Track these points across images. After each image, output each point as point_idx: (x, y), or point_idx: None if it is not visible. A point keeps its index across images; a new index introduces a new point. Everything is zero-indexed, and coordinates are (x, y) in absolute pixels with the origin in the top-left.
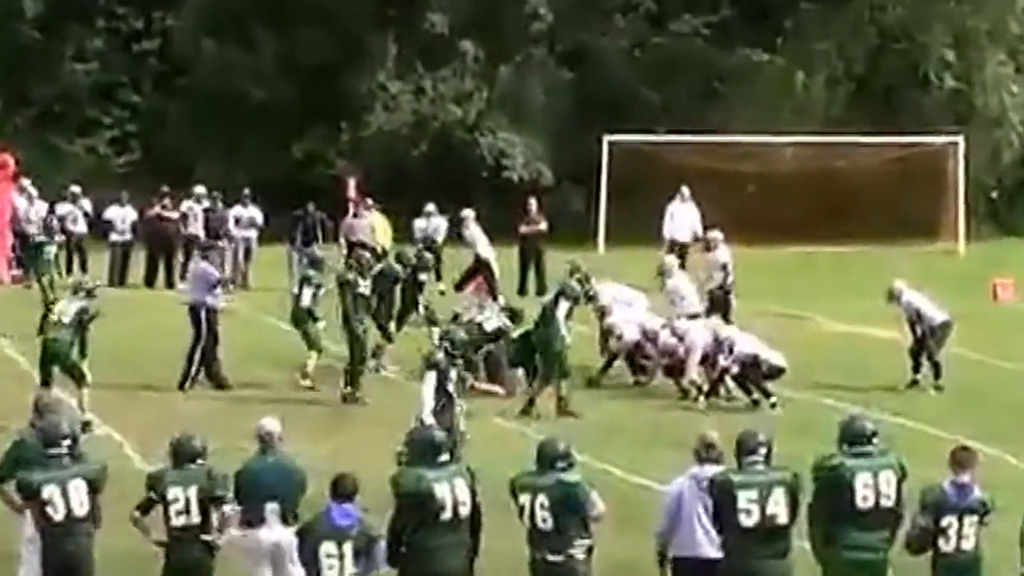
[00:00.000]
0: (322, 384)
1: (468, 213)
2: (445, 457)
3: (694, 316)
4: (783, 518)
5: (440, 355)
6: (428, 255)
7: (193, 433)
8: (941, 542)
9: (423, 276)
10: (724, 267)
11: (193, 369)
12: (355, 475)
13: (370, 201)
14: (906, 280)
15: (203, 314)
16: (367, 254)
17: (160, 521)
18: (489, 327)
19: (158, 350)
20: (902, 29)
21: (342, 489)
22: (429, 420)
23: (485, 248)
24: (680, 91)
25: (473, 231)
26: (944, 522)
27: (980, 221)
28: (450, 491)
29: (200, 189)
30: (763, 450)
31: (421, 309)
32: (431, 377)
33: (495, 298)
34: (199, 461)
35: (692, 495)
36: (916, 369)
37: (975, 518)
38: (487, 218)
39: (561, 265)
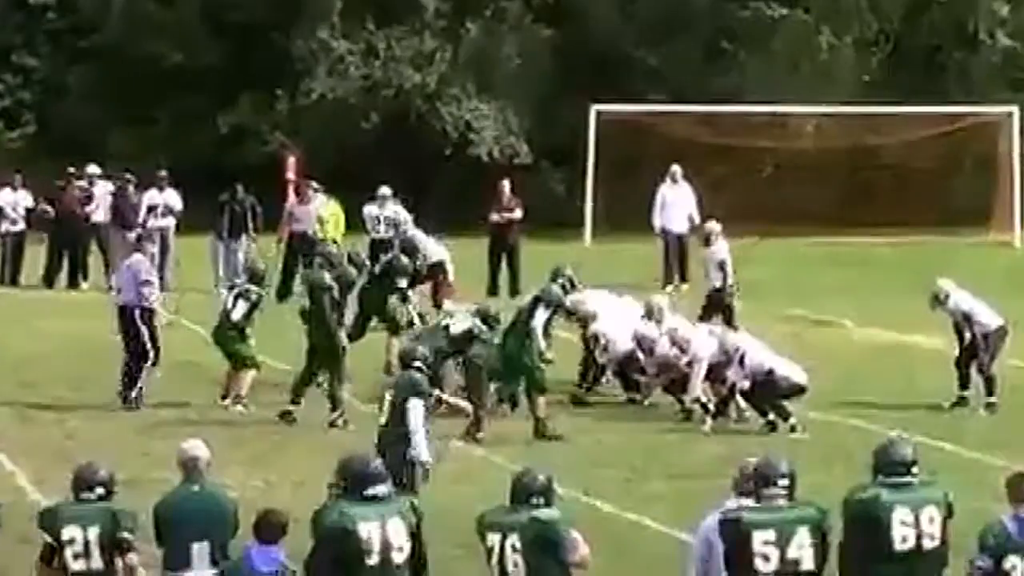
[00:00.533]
0: (253, 403)
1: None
2: (379, 490)
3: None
4: (808, 563)
5: (422, 378)
6: (404, 258)
7: (97, 461)
8: None
9: (402, 282)
10: (722, 265)
11: (141, 382)
12: (285, 512)
13: (315, 185)
14: (953, 278)
15: (138, 316)
16: (332, 247)
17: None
18: (456, 330)
19: (58, 363)
20: None
21: (267, 529)
22: (431, 460)
23: (435, 249)
24: (681, 52)
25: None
26: (1008, 564)
27: None
28: (379, 531)
29: (94, 169)
30: (785, 482)
31: (416, 319)
32: (418, 406)
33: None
34: (101, 493)
35: None
36: (964, 385)
37: None
38: (450, 204)
39: (539, 260)
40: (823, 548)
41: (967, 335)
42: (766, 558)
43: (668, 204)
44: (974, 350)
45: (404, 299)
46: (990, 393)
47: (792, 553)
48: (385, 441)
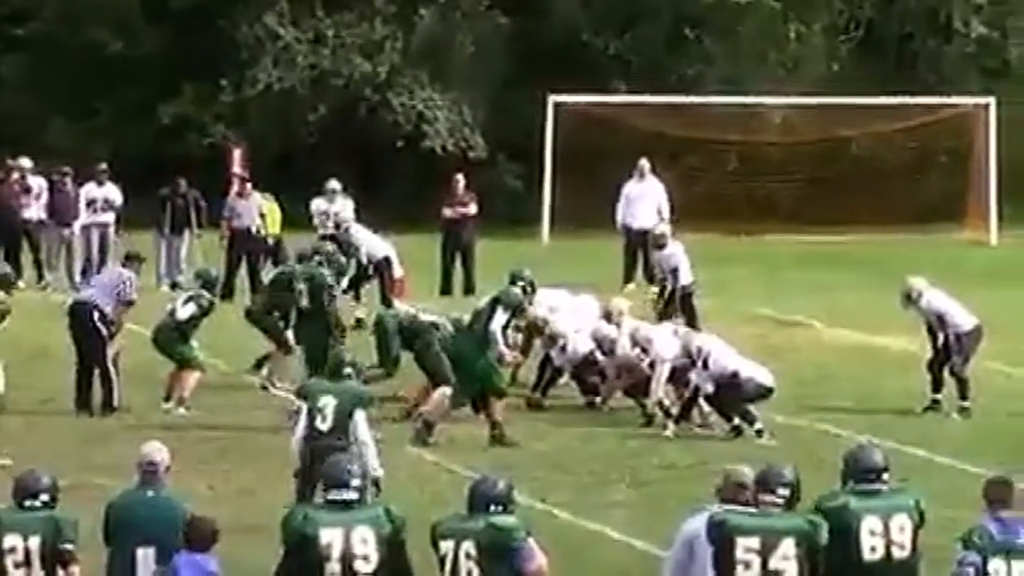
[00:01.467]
0: (199, 408)
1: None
2: (347, 496)
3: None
4: None
5: (367, 389)
6: (341, 257)
7: (39, 468)
8: None
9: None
10: (675, 271)
11: (114, 382)
12: (214, 519)
13: (248, 185)
14: (926, 277)
15: (97, 319)
16: (329, 245)
17: None
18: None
19: None
20: None
21: (196, 537)
22: (380, 470)
23: (379, 245)
24: (643, 40)
25: (356, 231)
26: (991, 567)
27: (1017, 203)
28: (343, 540)
29: (26, 163)
30: (784, 491)
31: (352, 320)
32: (364, 418)
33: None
34: (45, 500)
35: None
36: (937, 388)
37: None
38: (402, 199)
39: (494, 258)
40: (812, 564)
41: (940, 336)
42: (747, 566)
43: (633, 200)
44: (947, 352)
45: (332, 298)
46: (963, 397)
47: (774, 564)
48: (323, 447)
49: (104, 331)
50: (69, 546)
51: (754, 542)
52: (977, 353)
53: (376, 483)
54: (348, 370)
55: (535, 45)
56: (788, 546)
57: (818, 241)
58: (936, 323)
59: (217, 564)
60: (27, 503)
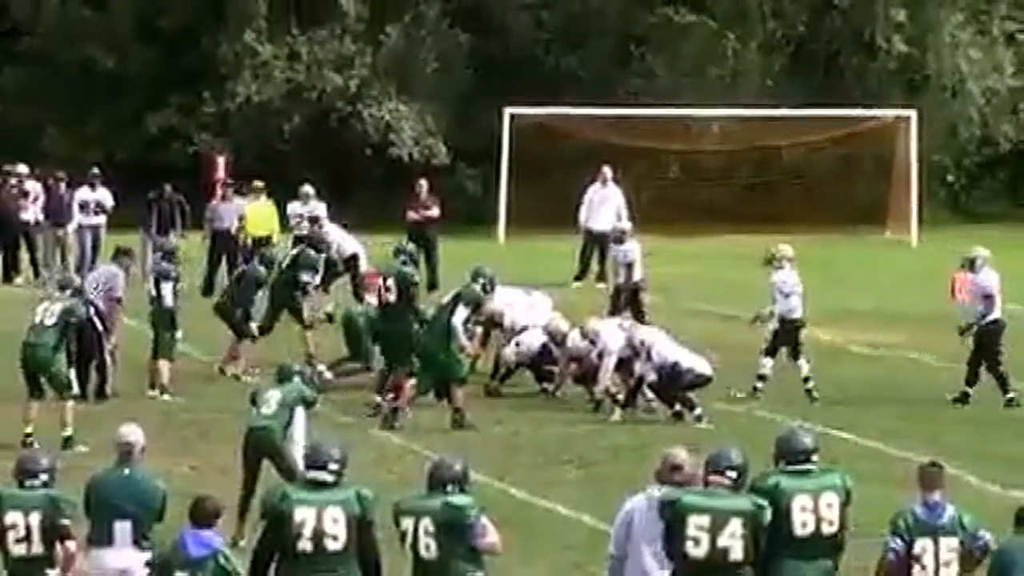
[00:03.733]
0: (181, 394)
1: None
2: (324, 477)
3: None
4: (737, 554)
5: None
6: (312, 252)
7: (40, 449)
8: (916, 571)
9: (305, 276)
10: (630, 266)
11: (109, 372)
12: (217, 498)
13: (230, 190)
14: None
15: (94, 314)
16: (312, 252)
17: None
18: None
19: None
20: None
21: (200, 514)
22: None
23: (349, 243)
24: (592, 57)
25: (329, 229)
26: (918, 547)
27: (936, 206)
28: (315, 518)
29: (22, 168)
30: (733, 473)
31: (322, 314)
32: (304, 417)
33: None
34: (45, 480)
35: (645, 519)
36: (1003, 385)
37: (954, 540)
38: (371, 202)
39: (455, 256)
40: (756, 543)
41: (980, 317)
42: (697, 543)
43: (596, 204)
44: (983, 346)
45: (304, 292)
46: (970, 385)
47: (722, 542)
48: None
49: (99, 325)
50: (66, 522)
51: (704, 520)
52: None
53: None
54: (298, 374)
55: (493, 61)
56: (736, 525)
57: (754, 241)
58: (981, 301)
59: (221, 539)
60: (27, 482)
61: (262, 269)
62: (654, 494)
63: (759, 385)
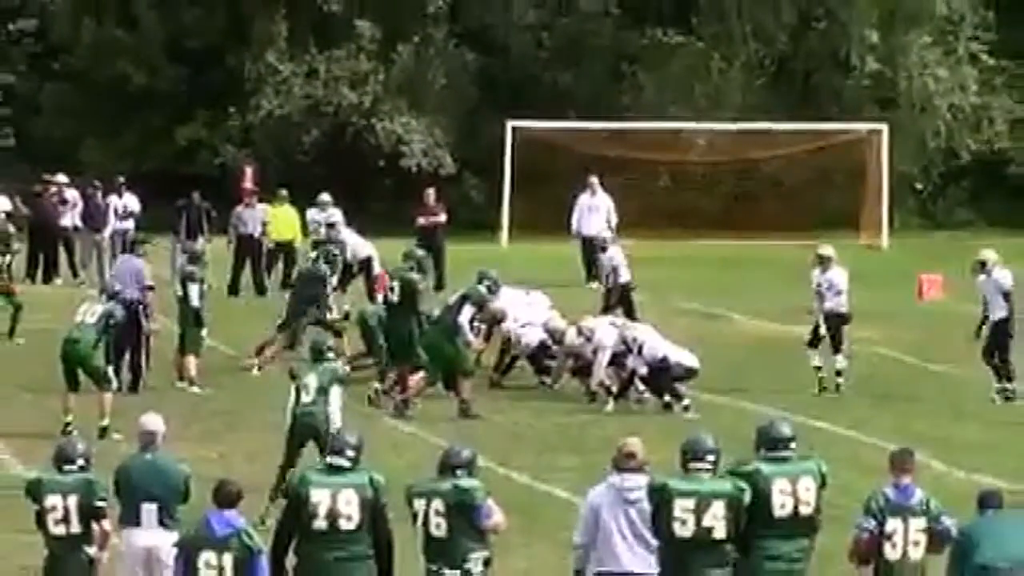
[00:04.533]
0: (209, 386)
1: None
2: (336, 461)
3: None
4: (720, 532)
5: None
6: (334, 248)
7: (76, 438)
8: (887, 549)
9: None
10: (615, 269)
11: (143, 368)
12: (238, 482)
13: (255, 198)
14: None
15: (138, 310)
16: (334, 249)
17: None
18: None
19: (38, 349)
20: (823, 7)
21: (223, 496)
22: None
23: (363, 247)
24: (588, 75)
25: (345, 234)
26: (889, 527)
27: (905, 214)
28: (330, 500)
29: (62, 178)
30: (711, 458)
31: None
32: (340, 392)
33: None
34: (82, 464)
35: (610, 506)
36: (999, 376)
37: (922, 522)
38: (383, 209)
39: (461, 259)
40: (737, 521)
41: (992, 315)
42: (683, 523)
43: (586, 211)
44: (996, 340)
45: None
46: (1009, 380)
47: (707, 522)
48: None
49: (140, 313)
50: (101, 504)
51: (690, 503)
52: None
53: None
54: (332, 352)
55: (496, 79)
56: (719, 507)
57: (736, 246)
58: (992, 301)
59: (243, 519)
60: (65, 467)
61: (325, 267)
62: (614, 482)
63: (823, 376)
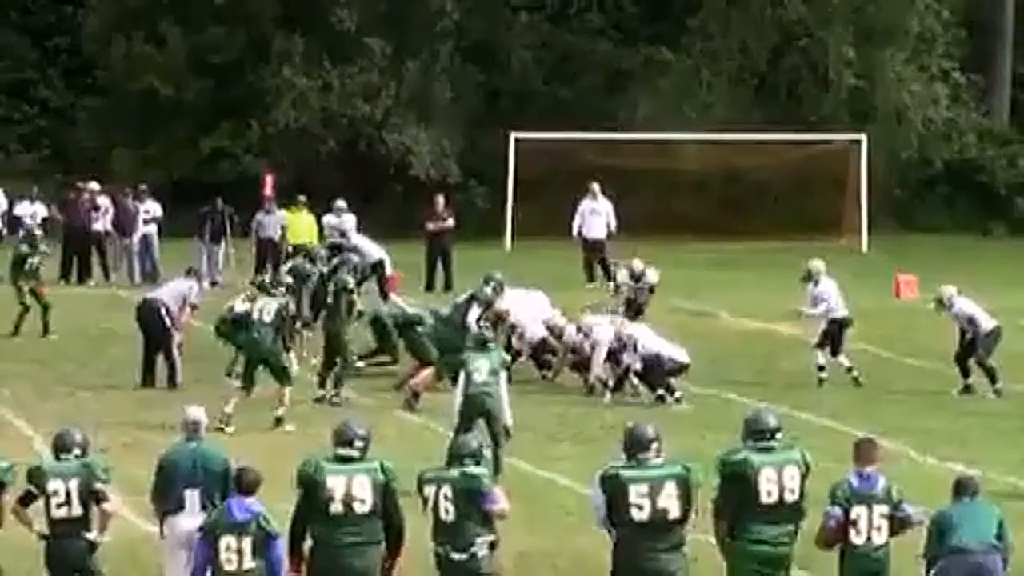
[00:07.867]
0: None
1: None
2: (346, 451)
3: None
4: (675, 512)
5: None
6: (352, 255)
7: (73, 428)
8: (852, 534)
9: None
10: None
11: (178, 364)
12: (258, 470)
13: (274, 204)
14: (953, 286)
15: (165, 315)
16: (354, 256)
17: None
18: (411, 310)
19: (71, 345)
20: (803, 26)
21: (243, 483)
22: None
23: (375, 250)
24: (586, 89)
25: (358, 239)
26: (853, 513)
27: (883, 218)
28: (345, 485)
29: (94, 185)
30: (655, 445)
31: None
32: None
33: (386, 298)
34: (78, 453)
35: None
36: (966, 375)
37: (885, 508)
38: (394, 215)
39: (468, 262)
40: (688, 500)
41: (969, 334)
42: (640, 508)
43: (587, 215)
44: (974, 347)
45: (349, 291)
46: (993, 381)
47: (661, 504)
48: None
49: (169, 323)
50: (101, 485)
51: (644, 488)
52: (996, 348)
53: (506, 431)
54: (492, 343)
55: (499, 92)
56: (671, 487)
57: (724, 248)
58: (967, 325)
59: (262, 505)
60: (62, 456)
61: (348, 278)
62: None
63: (823, 376)
